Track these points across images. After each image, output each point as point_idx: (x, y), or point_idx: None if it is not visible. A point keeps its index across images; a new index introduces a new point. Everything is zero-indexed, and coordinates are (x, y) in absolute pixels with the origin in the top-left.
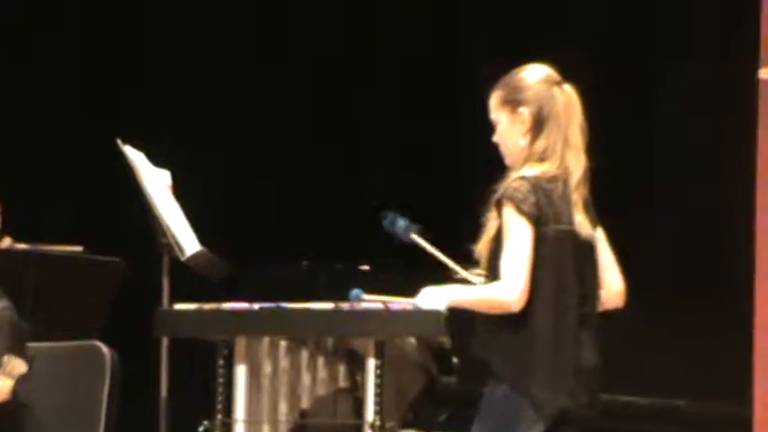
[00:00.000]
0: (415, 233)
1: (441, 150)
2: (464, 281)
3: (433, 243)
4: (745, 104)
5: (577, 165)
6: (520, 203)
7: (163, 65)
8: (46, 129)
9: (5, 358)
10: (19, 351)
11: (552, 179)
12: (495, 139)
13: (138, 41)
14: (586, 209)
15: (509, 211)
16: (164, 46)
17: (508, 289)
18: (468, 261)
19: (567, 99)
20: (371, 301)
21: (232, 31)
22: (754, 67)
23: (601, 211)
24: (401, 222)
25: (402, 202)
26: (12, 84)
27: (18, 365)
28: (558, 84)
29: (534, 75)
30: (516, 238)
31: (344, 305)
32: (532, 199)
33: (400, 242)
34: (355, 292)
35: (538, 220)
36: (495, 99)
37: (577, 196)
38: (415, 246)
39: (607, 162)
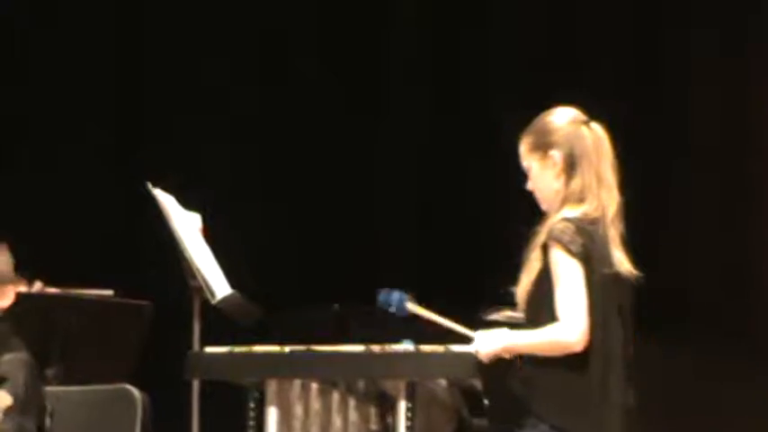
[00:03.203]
0: (410, 302)
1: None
2: (491, 323)
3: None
4: None
5: (611, 201)
6: (569, 245)
7: (191, 118)
8: (75, 169)
9: None
10: (32, 397)
11: (593, 221)
12: (530, 186)
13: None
14: (624, 246)
15: (558, 253)
16: (192, 96)
17: (570, 330)
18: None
19: (596, 137)
20: (416, 311)
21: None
22: None
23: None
24: (395, 295)
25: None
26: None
27: (3, 399)
28: (585, 123)
29: (561, 117)
30: (570, 278)
31: (375, 348)
32: (580, 240)
33: (399, 315)
34: (396, 296)
35: (587, 261)
36: (524, 146)
37: (614, 232)
38: (415, 316)
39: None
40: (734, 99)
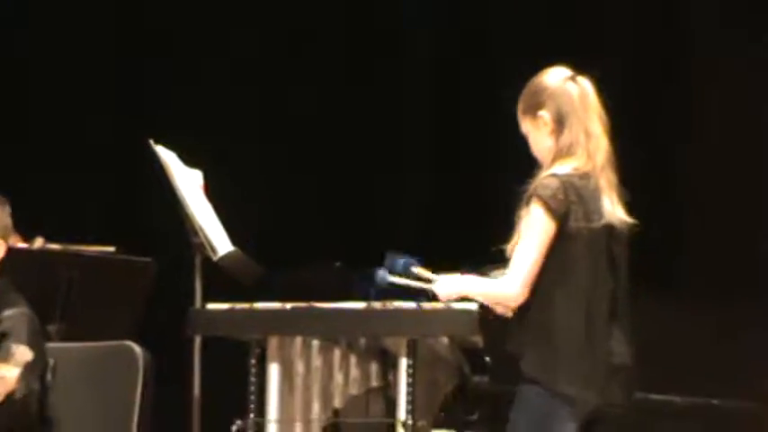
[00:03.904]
0: (415, 267)
1: (472, 153)
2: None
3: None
4: None
5: (599, 152)
6: (549, 200)
7: (192, 63)
8: (75, 128)
9: (13, 348)
10: (35, 352)
11: (584, 176)
12: (532, 149)
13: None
14: (619, 195)
15: (536, 208)
16: (192, 42)
17: (510, 284)
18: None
19: (582, 92)
20: (397, 283)
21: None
22: None
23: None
24: (400, 261)
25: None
26: (41, 84)
27: (24, 353)
28: (571, 78)
29: (547, 77)
30: (533, 234)
31: (377, 304)
32: (561, 196)
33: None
34: (381, 273)
35: (565, 217)
36: (519, 111)
37: (604, 181)
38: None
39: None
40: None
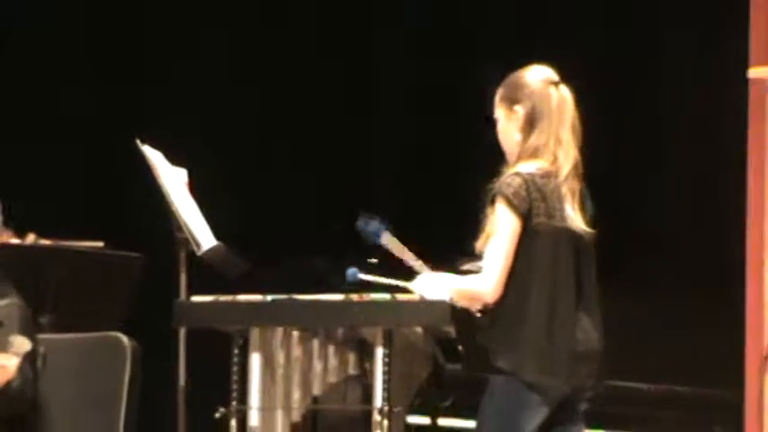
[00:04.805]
0: (386, 233)
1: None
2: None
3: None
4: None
5: (567, 160)
6: (511, 198)
7: (189, 60)
8: (64, 126)
9: (11, 338)
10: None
11: (546, 175)
12: (499, 136)
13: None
14: (581, 204)
15: (500, 206)
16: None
17: (483, 281)
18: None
19: (561, 99)
20: (368, 281)
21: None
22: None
23: (603, 214)
24: (374, 224)
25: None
26: (30, 81)
27: (23, 343)
28: (555, 84)
29: (533, 75)
30: (501, 233)
31: (354, 296)
32: (523, 194)
33: (372, 243)
34: (351, 271)
35: (528, 214)
36: (497, 96)
37: (566, 189)
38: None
39: (605, 161)
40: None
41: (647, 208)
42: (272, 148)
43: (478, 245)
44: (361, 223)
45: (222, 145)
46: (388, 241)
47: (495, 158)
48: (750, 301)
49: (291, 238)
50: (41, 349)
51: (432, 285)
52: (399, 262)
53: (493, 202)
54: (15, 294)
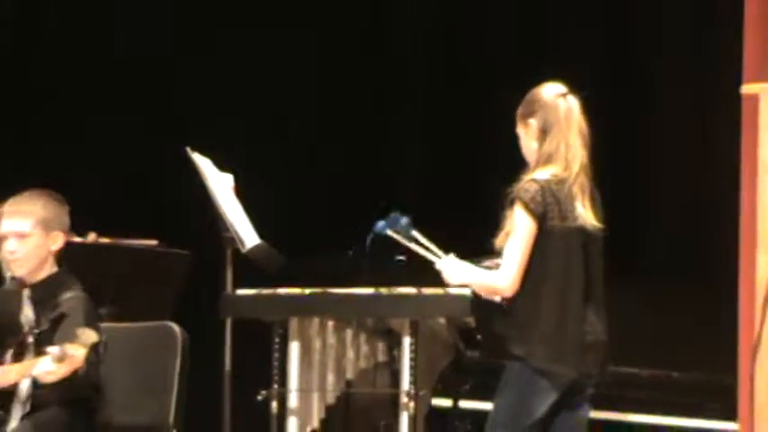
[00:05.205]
0: (414, 232)
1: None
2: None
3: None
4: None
5: (575, 162)
6: (528, 202)
7: (225, 64)
8: (123, 137)
9: (79, 330)
10: (93, 328)
11: (560, 181)
12: (522, 149)
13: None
14: (592, 201)
15: (518, 210)
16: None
17: (502, 277)
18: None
19: (568, 108)
20: (395, 239)
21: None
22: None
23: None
24: (403, 220)
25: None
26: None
27: (90, 335)
28: (563, 95)
29: (543, 90)
30: (519, 233)
31: (383, 290)
32: (539, 198)
33: (403, 236)
34: (381, 224)
35: (543, 217)
36: (517, 114)
37: (577, 188)
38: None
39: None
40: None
41: (647, 207)
42: (303, 151)
43: (497, 242)
44: (393, 217)
45: (258, 149)
46: (419, 237)
47: (512, 162)
48: (742, 295)
49: (323, 237)
50: (103, 337)
51: (456, 269)
52: (423, 262)
53: (512, 204)
54: (79, 288)
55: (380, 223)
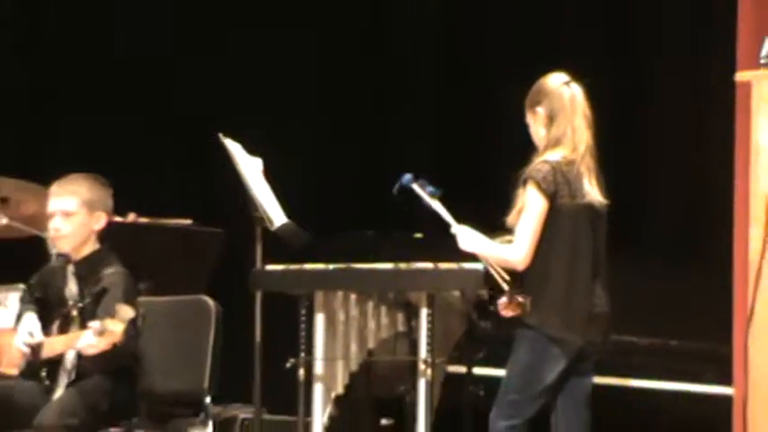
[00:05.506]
0: (437, 198)
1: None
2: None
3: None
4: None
5: (581, 144)
6: (540, 182)
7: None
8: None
9: (118, 306)
10: (131, 304)
11: (570, 163)
12: (531, 136)
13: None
14: (597, 179)
15: (530, 189)
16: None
17: (516, 251)
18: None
19: (572, 95)
20: (418, 194)
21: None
22: (732, 70)
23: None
24: (431, 186)
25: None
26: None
27: (127, 311)
28: (566, 83)
29: (548, 80)
30: (531, 210)
31: (402, 265)
32: (550, 178)
33: (428, 199)
34: (407, 177)
35: (554, 195)
36: (525, 104)
37: (584, 168)
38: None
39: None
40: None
41: (644, 186)
42: (325, 137)
43: (509, 219)
44: (422, 181)
45: (285, 136)
46: (440, 207)
47: (515, 159)
48: (737, 270)
49: (346, 214)
50: (141, 311)
51: (471, 237)
52: (442, 235)
53: (524, 184)
54: (120, 264)
55: (408, 176)
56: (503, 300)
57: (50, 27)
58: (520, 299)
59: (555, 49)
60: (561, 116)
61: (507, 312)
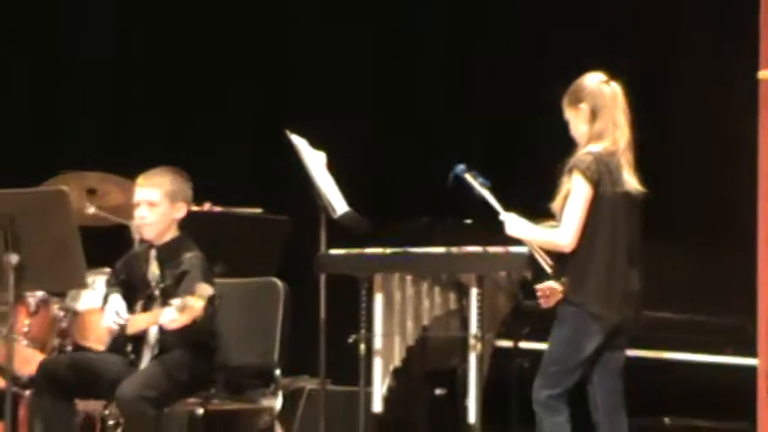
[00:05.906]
0: (488, 189)
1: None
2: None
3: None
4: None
5: (622, 138)
6: (585, 170)
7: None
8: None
9: (197, 285)
10: (209, 283)
11: (611, 154)
12: (571, 132)
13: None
14: (634, 170)
15: (576, 177)
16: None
17: (563, 235)
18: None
19: (613, 92)
20: (469, 184)
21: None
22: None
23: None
24: (481, 177)
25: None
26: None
27: (206, 289)
28: (606, 82)
29: (589, 79)
30: (577, 197)
31: (454, 249)
32: (594, 167)
33: (480, 187)
34: (460, 167)
35: (598, 183)
36: (564, 103)
37: (624, 160)
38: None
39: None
40: None
41: (675, 173)
42: (383, 132)
43: (554, 206)
44: (474, 172)
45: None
46: (491, 197)
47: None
48: (761, 253)
49: (403, 202)
50: (217, 291)
51: (519, 223)
52: (491, 221)
53: (570, 173)
54: (197, 249)
55: (461, 167)
56: (542, 289)
57: (140, 32)
58: (562, 279)
59: (589, 50)
60: (604, 112)
61: (547, 303)
